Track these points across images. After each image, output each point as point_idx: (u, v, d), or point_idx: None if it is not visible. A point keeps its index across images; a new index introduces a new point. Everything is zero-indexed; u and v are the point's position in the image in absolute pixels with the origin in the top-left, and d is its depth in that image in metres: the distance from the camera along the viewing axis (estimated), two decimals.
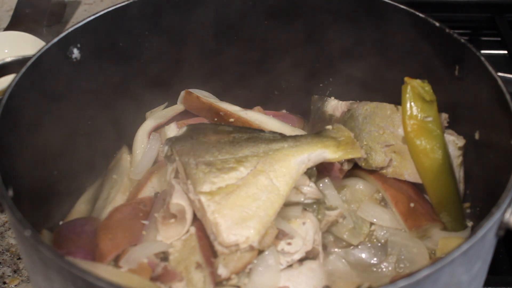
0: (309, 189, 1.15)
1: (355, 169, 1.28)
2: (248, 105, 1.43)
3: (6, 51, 1.70)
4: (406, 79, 1.24)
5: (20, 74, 1.11)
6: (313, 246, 1.11)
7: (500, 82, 1.08)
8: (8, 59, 1.20)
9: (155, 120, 1.38)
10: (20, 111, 1.11)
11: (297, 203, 1.14)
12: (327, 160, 1.18)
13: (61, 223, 1.25)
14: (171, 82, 1.43)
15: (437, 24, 1.23)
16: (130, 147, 1.38)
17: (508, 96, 1.06)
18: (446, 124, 1.27)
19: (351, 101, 1.35)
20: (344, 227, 1.21)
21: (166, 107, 1.44)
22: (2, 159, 1.02)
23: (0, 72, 1.20)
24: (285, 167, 1.11)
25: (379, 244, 1.21)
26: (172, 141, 1.14)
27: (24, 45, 1.70)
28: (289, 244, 1.08)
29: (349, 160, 1.25)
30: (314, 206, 1.16)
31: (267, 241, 1.06)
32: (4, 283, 1.31)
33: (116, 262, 1.08)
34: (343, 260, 1.19)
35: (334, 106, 1.37)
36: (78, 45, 1.23)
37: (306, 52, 1.44)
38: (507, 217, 0.93)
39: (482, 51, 1.16)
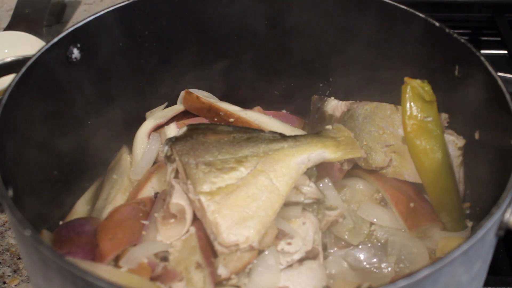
0: (309, 189, 1.15)
1: (355, 169, 1.28)
2: (248, 105, 1.43)
3: (6, 51, 1.70)
4: (406, 79, 1.24)
5: (20, 74, 1.11)
6: (313, 246, 1.11)
7: (500, 82, 1.08)
8: (8, 59, 1.20)
9: (155, 120, 1.38)
10: (20, 111, 1.11)
11: (297, 203, 1.14)
12: (327, 160, 1.18)
13: (61, 223, 1.25)
14: (171, 82, 1.43)
15: (437, 24, 1.23)
16: (130, 147, 1.38)
17: (508, 96, 1.06)
18: (446, 124, 1.27)
19: (351, 101, 1.35)
20: (344, 227, 1.21)
21: (166, 107, 1.44)
22: (2, 159, 1.02)
23: (0, 72, 1.20)
24: (285, 167, 1.11)
25: (379, 244, 1.21)
26: (172, 141, 1.14)
27: (24, 45, 1.70)
28: (289, 244, 1.08)
29: (349, 160, 1.25)
30: (314, 206, 1.16)
31: (267, 241, 1.06)
32: (4, 283, 1.31)
33: (116, 262, 1.08)
34: (343, 260, 1.19)
35: (334, 106, 1.37)
36: (78, 45, 1.23)
37: (306, 52, 1.44)
38: (507, 217, 0.93)
39: (482, 51, 1.16)
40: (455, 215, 1.23)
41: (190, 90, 1.41)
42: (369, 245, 1.21)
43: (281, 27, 1.41)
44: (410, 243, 1.19)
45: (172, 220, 1.11)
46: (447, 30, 1.22)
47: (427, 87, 1.23)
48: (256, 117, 1.36)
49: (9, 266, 1.35)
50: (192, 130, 1.16)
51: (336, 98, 1.39)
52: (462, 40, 1.19)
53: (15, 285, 1.31)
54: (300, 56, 1.45)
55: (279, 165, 1.11)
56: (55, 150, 1.23)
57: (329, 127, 1.23)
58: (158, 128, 1.38)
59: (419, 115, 1.22)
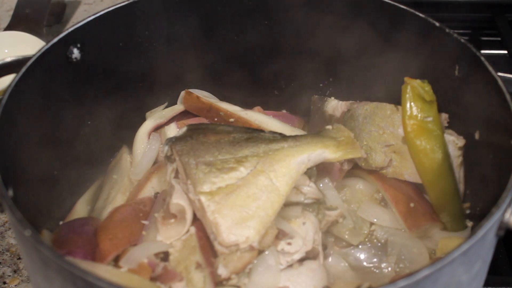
0: (309, 189, 1.15)
1: (355, 169, 1.28)
2: (248, 105, 1.43)
3: (6, 51, 1.70)
4: (406, 79, 1.24)
5: (20, 74, 1.11)
6: (313, 246, 1.11)
7: (500, 82, 1.08)
8: (8, 59, 1.20)
9: (155, 120, 1.38)
10: (20, 111, 1.11)
11: (297, 203, 1.14)
12: (327, 160, 1.18)
13: (61, 223, 1.25)
14: (171, 82, 1.43)
15: (437, 24, 1.23)
16: (130, 147, 1.38)
17: (508, 96, 1.06)
18: (446, 124, 1.27)
19: (351, 101, 1.35)
20: (344, 227, 1.21)
21: (166, 107, 1.44)
22: (2, 159, 1.02)
23: (0, 72, 1.20)
24: (285, 167, 1.11)
25: (379, 244, 1.21)
26: (172, 141, 1.14)
27: (24, 45, 1.70)
28: (289, 244, 1.08)
29: (349, 160, 1.25)
30: (314, 206, 1.16)
31: (267, 241, 1.06)
32: (4, 283, 1.31)
33: (116, 262, 1.08)
34: (343, 260, 1.19)
35: (334, 106, 1.37)
36: (78, 45, 1.23)
37: (306, 52, 1.44)
38: (507, 217, 0.93)
39: (482, 51, 1.16)
40: (455, 215, 1.23)
41: (190, 90, 1.41)
42: (369, 245, 1.21)
43: (281, 27, 1.41)
44: (410, 243, 1.19)
45: (172, 220, 1.11)
46: (447, 30, 1.22)
47: (427, 87, 1.23)
48: (256, 117, 1.36)
49: (9, 266, 1.35)
50: (192, 130, 1.16)
51: (336, 98, 1.39)
52: (462, 40, 1.19)
53: (15, 285, 1.31)
54: (300, 56, 1.45)
55: (279, 165, 1.11)
56: (55, 150, 1.23)
57: (329, 127, 1.23)
58: (158, 128, 1.38)
59: (419, 115, 1.22)
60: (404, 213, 1.21)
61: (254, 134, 1.16)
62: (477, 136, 1.21)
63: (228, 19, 1.39)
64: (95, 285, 0.80)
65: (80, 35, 1.23)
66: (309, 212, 1.15)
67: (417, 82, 1.23)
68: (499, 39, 1.91)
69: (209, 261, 1.04)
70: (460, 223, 1.23)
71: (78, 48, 1.23)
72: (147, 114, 1.43)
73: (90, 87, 1.30)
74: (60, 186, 1.27)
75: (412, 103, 1.23)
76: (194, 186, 1.06)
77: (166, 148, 1.15)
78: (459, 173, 1.25)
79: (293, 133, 1.22)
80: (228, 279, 1.04)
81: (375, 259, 1.20)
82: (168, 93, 1.44)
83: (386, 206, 1.25)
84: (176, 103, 1.44)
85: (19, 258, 1.36)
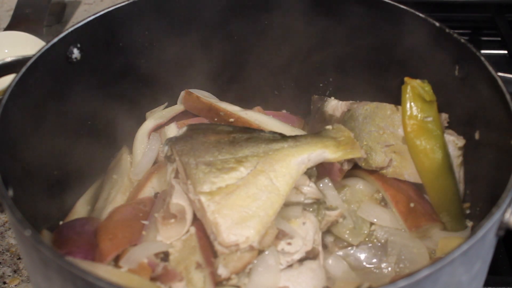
0: (309, 189, 1.15)
1: (355, 169, 1.28)
2: (248, 105, 1.43)
3: (6, 51, 1.70)
4: (406, 79, 1.24)
5: (20, 74, 1.11)
6: (313, 246, 1.11)
7: (500, 82, 1.08)
8: (8, 59, 1.20)
9: (155, 120, 1.38)
10: (20, 111, 1.11)
11: (297, 203, 1.14)
12: (327, 160, 1.18)
13: (61, 223, 1.25)
14: (171, 82, 1.43)
15: (437, 24, 1.23)
16: (130, 147, 1.38)
17: (508, 96, 1.06)
18: (446, 124, 1.27)
19: (351, 101, 1.35)
20: (344, 227, 1.21)
21: (166, 107, 1.44)
22: (2, 159, 1.02)
23: (0, 72, 1.20)
24: (285, 167, 1.11)
25: (379, 244, 1.21)
26: (172, 141, 1.14)
27: (24, 45, 1.70)
28: (289, 244, 1.08)
29: (349, 160, 1.24)
30: (314, 206, 1.16)
31: (267, 241, 1.06)
32: (4, 283, 1.31)
33: (116, 262, 1.08)
34: (343, 260, 1.19)
35: (334, 106, 1.37)
36: (78, 45, 1.23)
37: (306, 52, 1.44)
38: (507, 217, 0.93)
39: (482, 51, 1.16)
40: (455, 215, 1.23)
41: (190, 90, 1.41)
42: (369, 245, 1.21)
43: (281, 27, 1.41)
44: (410, 243, 1.19)
45: (172, 220, 1.11)
46: (447, 30, 1.22)
47: (427, 87, 1.23)
48: (256, 117, 1.36)
49: (9, 266, 1.35)
50: (192, 130, 1.16)
51: (336, 98, 1.39)
52: (462, 40, 1.19)
53: (15, 285, 1.31)
54: (300, 56, 1.45)
55: (279, 165, 1.11)
56: (55, 150, 1.23)
57: (329, 127, 1.23)
58: (158, 128, 1.38)
59: (419, 115, 1.22)
60: (404, 213, 1.21)
61: (254, 134, 1.16)
62: (477, 136, 1.21)
63: (228, 19, 1.39)
64: (95, 285, 0.80)
65: (80, 35, 1.23)
66: (309, 212, 1.15)
67: (417, 82, 1.23)
68: (499, 39, 1.91)
69: (209, 261, 1.04)
70: (460, 223, 1.23)
71: (78, 48, 1.23)
72: (147, 114, 1.43)
73: (90, 87, 1.30)
74: (60, 186, 1.27)
75: (412, 103, 1.23)
76: (194, 186, 1.06)
77: (166, 148, 1.15)
78: (459, 173, 1.25)
79: (293, 133, 1.22)
80: (228, 279, 1.04)
81: (375, 259, 1.20)
82: (168, 93, 1.44)
83: (386, 206, 1.25)
84: (176, 103, 1.44)
85: (19, 258, 1.36)
